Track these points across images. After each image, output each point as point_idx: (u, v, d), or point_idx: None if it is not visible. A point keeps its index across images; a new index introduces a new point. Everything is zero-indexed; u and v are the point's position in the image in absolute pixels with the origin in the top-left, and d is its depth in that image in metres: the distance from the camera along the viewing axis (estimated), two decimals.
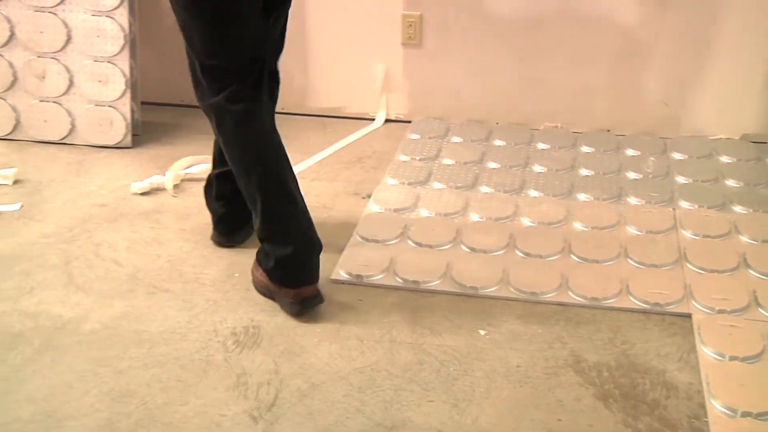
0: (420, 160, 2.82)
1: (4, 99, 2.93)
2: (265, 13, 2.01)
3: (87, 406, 1.74)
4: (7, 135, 2.96)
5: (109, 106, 2.89)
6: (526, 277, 2.16)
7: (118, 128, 2.91)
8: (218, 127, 2.04)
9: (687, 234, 2.38)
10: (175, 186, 2.65)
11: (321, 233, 2.39)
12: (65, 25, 2.85)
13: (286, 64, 3.16)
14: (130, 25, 2.85)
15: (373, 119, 3.15)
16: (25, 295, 2.10)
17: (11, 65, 2.90)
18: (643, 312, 2.06)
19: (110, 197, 2.60)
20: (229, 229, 2.33)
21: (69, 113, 2.92)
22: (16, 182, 2.66)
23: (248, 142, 2.03)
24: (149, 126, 3.05)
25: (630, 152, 2.89)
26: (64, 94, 2.91)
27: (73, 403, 1.74)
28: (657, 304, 2.07)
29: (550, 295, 2.12)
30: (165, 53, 3.15)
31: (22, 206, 2.52)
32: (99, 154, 2.84)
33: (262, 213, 2.02)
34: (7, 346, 1.91)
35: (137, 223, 2.44)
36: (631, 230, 2.41)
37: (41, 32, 2.86)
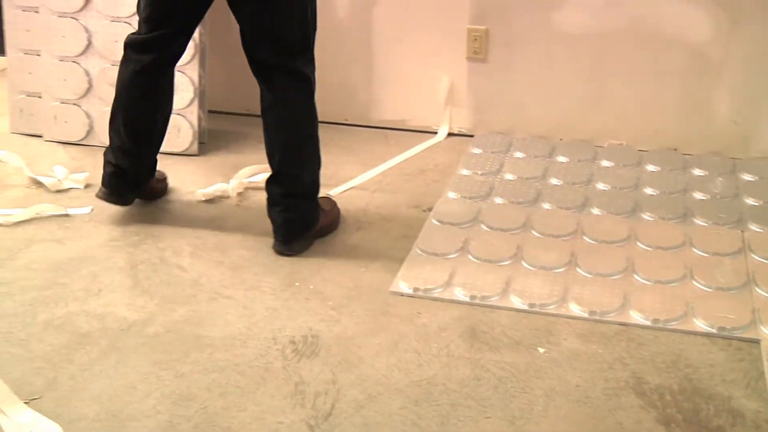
0: (482, 174, 2.81)
1: (78, 105, 3.03)
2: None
3: (149, 407, 1.77)
4: (80, 140, 3.05)
5: (178, 114, 2.96)
6: (587, 296, 2.14)
7: (185, 136, 2.98)
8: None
9: (756, 257, 2.32)
10: (239, 194, 2.69)
11: (382, 245, 2.42)
12: None
13: (350, 76, 3.21)
14: (201, 35, 2.92)
15: (436, 132, 3.15)
16: (93, 296, 2.16)
17: (87, 73, 2.99)
18: (708, 336, 2.01)
19: (176, 203, 2.66)
20: (286, 238, 2.35)
21: None
22: (87, 186, 2.74)
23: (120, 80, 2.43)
24: (215, 134, 3.11)
25: (697, 172, 2.83)
26: None
27: (136, 404, 1.78)
28: (723, 328, 2.02)
29: (611, 314, 2.08)
30: (232, 63, 3.20)
31: (92, 210, 2.59)
32: (166, 161, 2.90)
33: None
34: (75, 345, 1.97)
35: (201, 230, 2.49)
36: (697, 251, 2.35)
37: (116, 41, 2.94)
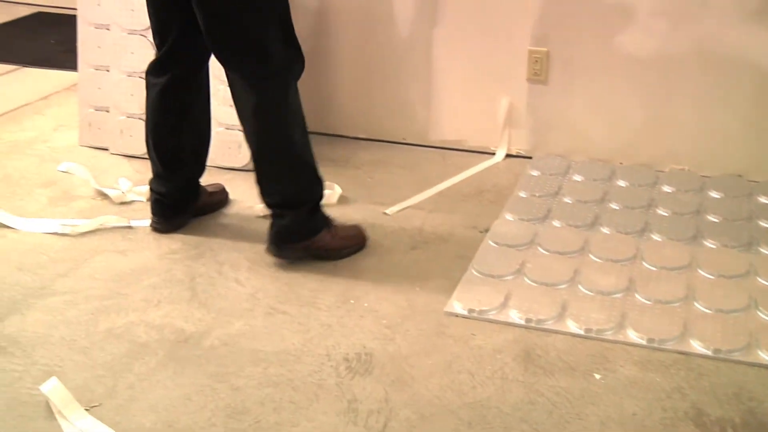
0: (539, 196, 2.79)
1: (143, 120, 3.10)
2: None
3: (204, 419, 1.80)
4: (144, 154, 3.12)
5: (238, 130, 3.00)
6: (645, 323, 2.10)
7: (245, 151, 3.01)
8: None
9: None
10: None
11: (437, 265, 2.42)
12: None
13: (409, 95, 3.22)
14: None
15: (494, 153, 3.14)
16: (153, 307, 2.21)
17: None
18: None
19: (234, 218, 2.70)
20: (274, 243, 2.38)
21: None
22: (149, 199, 2.80)
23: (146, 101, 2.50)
24: None
25: (763, 200, 2.76)
26: None
27: (192, 415, 1.81)
28: None
29: (670, 342, 2.04)
30: (302, 80, 3.24)
31: None
32: (226, 176, 2.95)
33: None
34: (134, 355, 2.01)
35: (258, 245, 2.51)
36: (762, 281, 2.29)
37: None
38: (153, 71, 2.45)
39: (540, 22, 2.95)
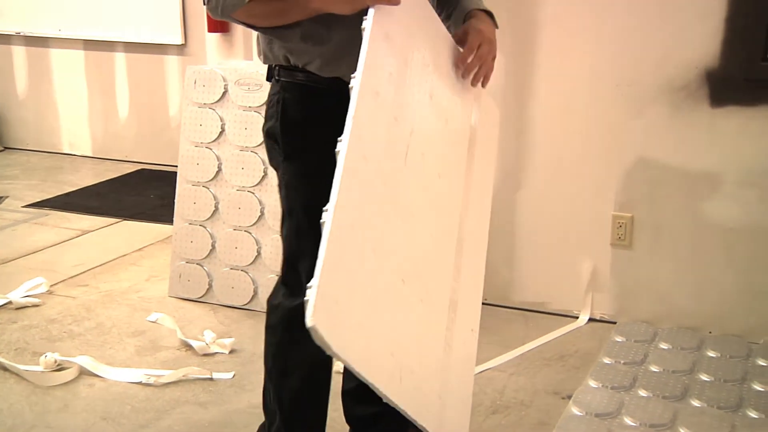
0: (624, 363, 2.71)
1: (246, 272, 3.18)
2: None
3: None
4: (245, 304, 3.19)
5: None
6: None
7: None
8: None
9: None
10: None
11: None
12: None
13: (491, 256, 3.21)
14: None
15: (577, 317, 3.09)
16: None
17: (257, 242, 3.17)
18: None
19: None
20: None
21: None
22: (232, 351, 2.84)
23: None
24: None
25: None
26: None
27: None
28: None
29: None
30: None
31: (234, 375, 2.67)
32: None
33: None
34: None
35: (339, 402, 2.49)
36: None
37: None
38: None
39: (624, 188, 2.98)
